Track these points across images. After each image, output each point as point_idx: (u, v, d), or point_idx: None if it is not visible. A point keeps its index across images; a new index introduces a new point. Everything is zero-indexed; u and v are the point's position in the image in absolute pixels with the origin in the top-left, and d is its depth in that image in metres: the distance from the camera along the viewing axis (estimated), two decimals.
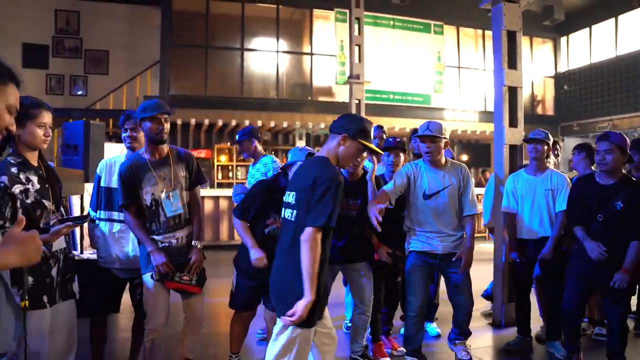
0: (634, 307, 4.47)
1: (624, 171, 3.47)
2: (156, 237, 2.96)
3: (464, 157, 13.67)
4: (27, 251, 1.33)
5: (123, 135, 3.31)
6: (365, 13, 9.75)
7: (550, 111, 15.08)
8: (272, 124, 11.87)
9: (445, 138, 3.44)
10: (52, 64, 12.48)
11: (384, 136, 4.15)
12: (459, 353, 3.60)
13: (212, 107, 11.45)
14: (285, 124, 11.93)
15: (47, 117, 2.41)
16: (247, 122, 11.57)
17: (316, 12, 12.89)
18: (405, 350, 3.66)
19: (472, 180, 3.68)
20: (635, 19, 13.02)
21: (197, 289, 3.06)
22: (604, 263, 3.25)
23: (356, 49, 9.18)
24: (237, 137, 4.43)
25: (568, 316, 3.46)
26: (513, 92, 4.66)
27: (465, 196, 3.46)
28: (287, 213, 2.40)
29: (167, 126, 2.99)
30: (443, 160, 3.50)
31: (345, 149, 2.38)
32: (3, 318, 1.45)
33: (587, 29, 14.20)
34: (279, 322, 2.33)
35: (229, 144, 12.48)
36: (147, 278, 2.98)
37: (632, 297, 4.12)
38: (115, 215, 3.22)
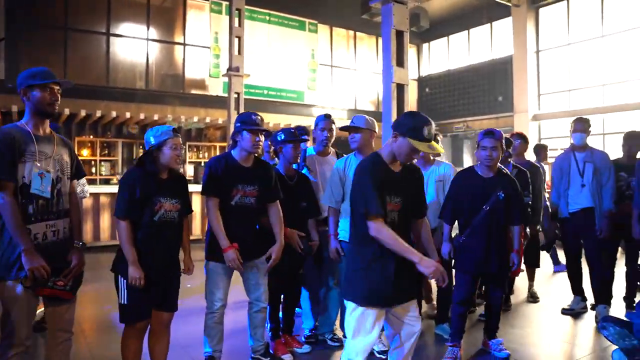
0: None
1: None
2: (34, 225, 2.48)
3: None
4: None
5: None
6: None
7: None
8: (142, 116, 11.11)
9: (371, 130, 3.60)
10: None
11: (333, 127, 4.05)
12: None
13: (72, 95, 10.33)
14: (156, 117, 11.24)
15: None
16: (114, 114, 10.70)
17: (189, 1, 12.36)
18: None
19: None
20: (483, 33, 14.58)
21: (70, 296, 2.63)
22: (486, 253, 3.54)
23: (236, 40, 8.94)
24: None
25: (459, 307, 3.70)
26: (401, 89, 4.87)
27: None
28: None
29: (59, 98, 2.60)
30: (372, 149, 3.58)
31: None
32: None
33: (446, 38, 15.55)
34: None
35: (91, 136, 11.44)
36: (12, 284, 2.45)
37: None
38: None
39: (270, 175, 3.41)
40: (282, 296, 3.84)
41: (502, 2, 12.83)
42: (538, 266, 5.35)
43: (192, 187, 3.51)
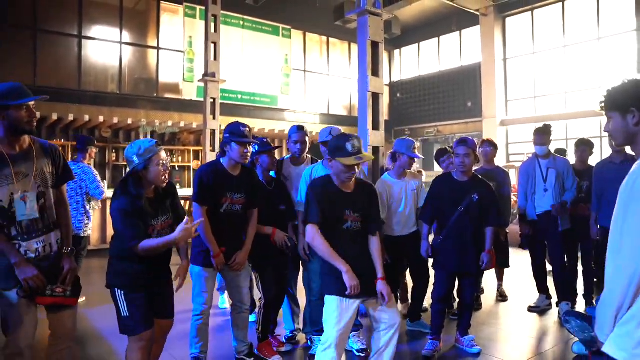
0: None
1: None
2: (22, 244, 2.52)
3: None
4: None
5: None
6: None
7: (385, 116, 16.44)
8: (115, 120, 11.04)
9: None
10: None
11: (306, 139, 4.14)
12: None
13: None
14: (129, 121, 11.18)
15: None
16: (86, 117, 10.61)
17: (163, 4, 12.34)
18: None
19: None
20: (453, 41, 14.99)
21: (74, 301, 2.69)
22: (462, 252, 3.77)
23: (212, 46, 9.02)
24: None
25: (438, 303, 3.92)
26: (376, 97, 5.04)
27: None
28: None
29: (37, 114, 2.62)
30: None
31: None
32: None
33: (417, 44, 15.91)
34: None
35: (62, 140, 11.28)
36: (9, 295, 2.51)
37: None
38: None
39: (256, 183, 3.56)
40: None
41: (470, 11, 13.24)
42: (508, 266, 5.61)
43: None
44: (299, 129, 4.07)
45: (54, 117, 10.36)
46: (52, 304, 2.63)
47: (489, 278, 5.77)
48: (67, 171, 2.79)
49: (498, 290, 5.63)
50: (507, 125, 13.56)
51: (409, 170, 4.43)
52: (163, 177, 2.79)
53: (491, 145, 5.39)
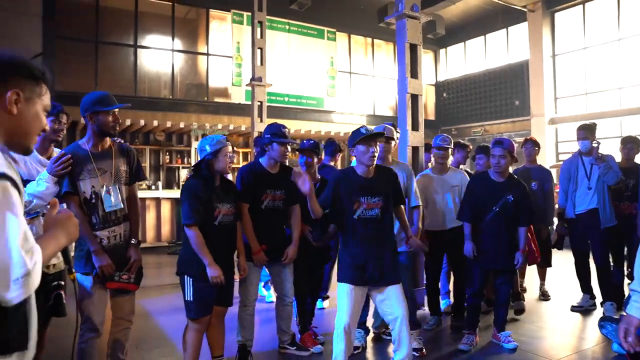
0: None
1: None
2: (96, 233, 2.90)
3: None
4: (69, 230, 1.46)
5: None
6: None
7: (431, 116, 16.43)
8: (168, 124, 11.59)
9: (394, 140, 3.95)
10: None
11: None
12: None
13: None
14: (182, 125, 11.71)
15: None
16: (142, 122, 11.18)
17: (212, 12, 12.82)
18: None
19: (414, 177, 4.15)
20: (499, 38, 14.76)
21: (136, 287, 3.06)
22: (496, 250, 3.85)
23: (258, 52, 9.34)
24: None
25: (472, 299, 4.04)
26: (415, 99, 5.17)
27: (410, 190, 3.92)
28: None
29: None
30: (390, 160, 3.97)
31: None
32: None
33: (462, 43, 15.76)
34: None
35: None
36: (85, 278, 2.90)
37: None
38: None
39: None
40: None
41: (517, 7, 13.01)
42: (550, 265, 5.58)
43: None
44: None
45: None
46: (118, 289, 2.99)
47: (531, 277, 5.75)
48: (140, 171, 3.18)
49: (540, 290, 5.61)
50: (557, 123, 13.23)
51: (452, 167, 4.58)
52: (228, 167, 3.19)
53: (534, 145, 5.41)
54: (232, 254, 3.29)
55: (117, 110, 2.93)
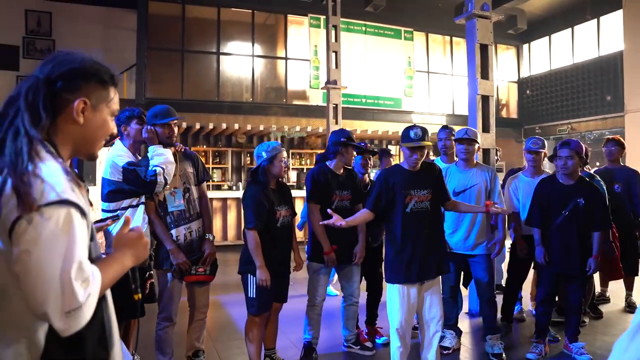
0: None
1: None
2: (172, 230, 3.21)
3: (432, 158, 14.19)
4: (138, 251, 1.40)
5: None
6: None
7: (514, 114, 15.79)
8: (249, 127, 12.08)
9: (478, 143, 3.97)
10: (23, 65, 12.30)
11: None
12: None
13: (188, 110, 11.53)
14: (261, 127, 12.16)
15: None
16: (224, 125, 11.75)
17: (290, 17, 13.17)
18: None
19: (499, 180, 4.10)
20: (588, 30, 13.86)
21: (211, 278, 3.39)
22: (566, 255, 3.70)
23: (333, 55, 9.50)
24: None
25: (541, 306, 3.92)
26: (485, 100, 5.07)
27: (494, 193, 3.91)
28: None
29: (176, 130, 3.29)
30: (474, 162, 4.01)
31: None
32: None
33: (547, 37, 14.98)
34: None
35: (204, 146, 12.63)
36: (163, 273, 3.24)
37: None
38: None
39: (358, 181, 3.96)
40: None
41: None
42: (637, 274, 5.23)
43: (295, 193, 4.13)
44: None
45: (197, 126, 11.66)
46: (195, 282, 3.31)
47: (617, 287, 5.42)
48: (206, 172, 3.50)
49: (626, 300, 5.27)
50: None
51: (546, 170, 4.52)
52: (283, 172, 3.38)
53: (615, 144, 5.10)
54: (290, 252, 3.50)
55: (174, 122, 3.23)
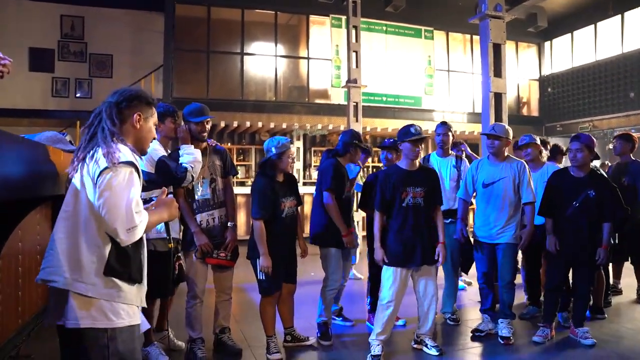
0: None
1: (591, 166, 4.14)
2: (197, 216, 3.55)
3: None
4: (171, 210, 2.13)
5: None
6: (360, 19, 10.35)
7: (535, 112, 15.78)
8: (272, 125, 12.41)
9: (506, 139, 4.15)
10: (58, 67, 12.88)
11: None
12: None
13: (213, 109, 11.78)
14: (284, 125, 12.47)
15: None
16: (247, 124, 12.11)
17: (312, 17, 13.44)
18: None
19: (529, 173, 4.23)
20: (612, 26, 13.78)
21: (232, 263, 3.69)
22: (576, 246, 3.90)
23: (353, 55, 9.75)
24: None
25: (549, 293, 4.13)
26: (498, 97, 5.27)
27: (523, 185, 4.09)
28: None
29: (209, 127, 3.62)
30: (504, 155, 4.20)
31: None
32: None
33: (569, 34, 14.94)
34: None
35: (229, 144, 13.02)
36: (189, 254, 3.59)
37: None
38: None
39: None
40: None
41: None
42: None
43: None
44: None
45: (222, 124, 12.04)
46: (217, 265, 3.63)
47: (631, 280, 5.54)
48: (232, 167, 3.82)
49: (638, 292, 5.40)
50: None
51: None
52: (289, 167, 3.68)
53: (621, 139, 5.27)
54: (294, 239, 3.81)
55: (208, 120, 3.58)
